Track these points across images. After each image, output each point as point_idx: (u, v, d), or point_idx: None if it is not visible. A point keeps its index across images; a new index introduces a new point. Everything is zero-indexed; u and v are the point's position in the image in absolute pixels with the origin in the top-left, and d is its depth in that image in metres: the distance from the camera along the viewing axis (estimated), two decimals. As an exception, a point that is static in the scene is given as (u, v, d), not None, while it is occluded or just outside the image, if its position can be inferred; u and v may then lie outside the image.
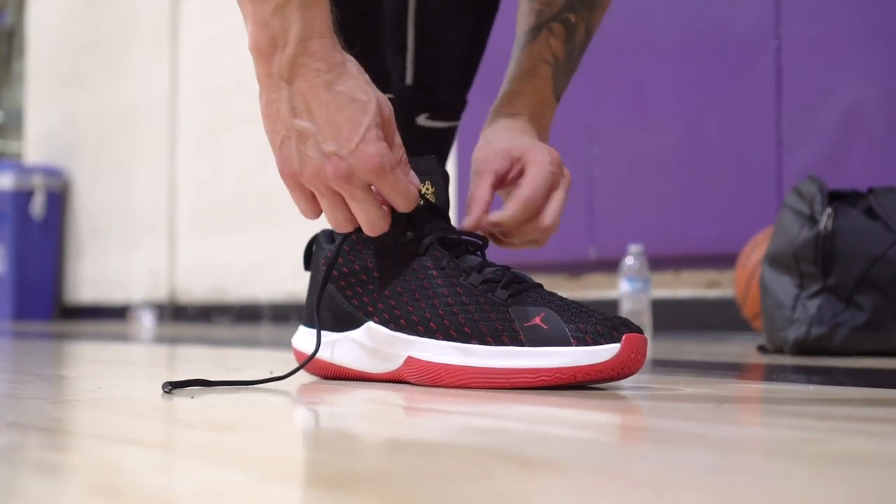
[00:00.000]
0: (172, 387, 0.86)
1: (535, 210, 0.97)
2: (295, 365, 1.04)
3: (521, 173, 0.99)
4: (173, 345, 2.19)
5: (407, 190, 0.86)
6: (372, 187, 0.85)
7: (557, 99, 1.05)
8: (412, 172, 0.89)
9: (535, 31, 1.02)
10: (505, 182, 1.00)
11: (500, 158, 0.99)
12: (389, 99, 0.95)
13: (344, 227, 0.87)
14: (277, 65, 0.82)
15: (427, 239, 0.92)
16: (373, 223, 0.86)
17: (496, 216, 0.97)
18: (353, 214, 0.86)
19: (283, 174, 0.85)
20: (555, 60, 1.02)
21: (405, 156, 0.88)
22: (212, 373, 0.89)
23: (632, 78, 2.55)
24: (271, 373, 1.06)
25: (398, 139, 0.87)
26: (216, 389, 0.88)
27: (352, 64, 0.84)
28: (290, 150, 0.83)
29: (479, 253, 0.94)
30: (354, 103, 0.82)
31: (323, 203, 0.86)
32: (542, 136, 1.04)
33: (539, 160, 0.98)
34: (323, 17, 0.82)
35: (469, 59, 1.06)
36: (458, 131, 1.11)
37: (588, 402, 0.79)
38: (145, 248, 4.64)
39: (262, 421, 0.72)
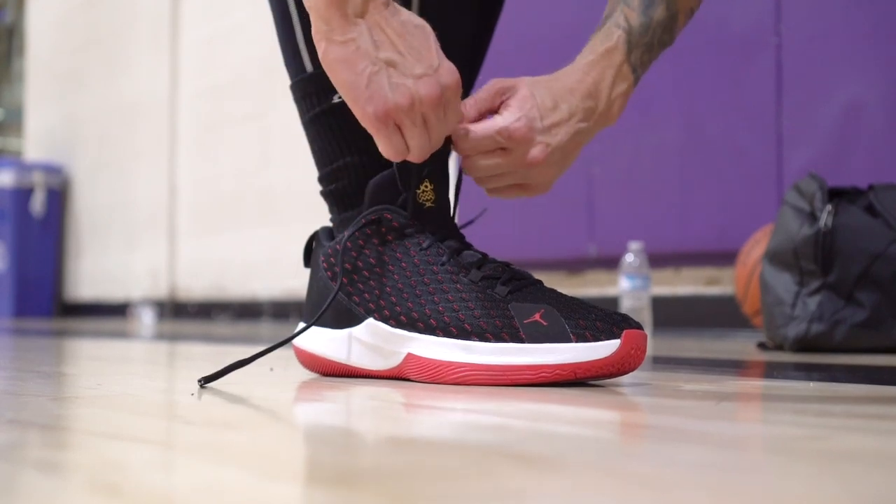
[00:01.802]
0: (206, 381, 0.86)
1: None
2: (295, 362, 1.04)
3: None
4: (173, 342, 2.19)
5: (444, 131, 0.88)
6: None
7: (634, 72, 1.00)
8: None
9: (612, 7, 1.01)
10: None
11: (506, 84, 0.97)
12: None
13: (424, 153, 0.88)
14: (353, 4, 0.84)
15: (428, 238, 0.92)
16: (440, 142, 0.88)
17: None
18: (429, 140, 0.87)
19: (376, 114, 0.84)
20: (628, 26, 0.99)
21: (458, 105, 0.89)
22: (212, 370, 0.89)
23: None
24: (271, 370, 1.06)
25: None
26: (217, 387, 0.88)
27: None
28: (380, 85, 0.84)
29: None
30: (418, 27, 0.86)
31: (413, 132, 0.86)
32: (608, 106, 0.99)
33: (515, 100, 0.95)
34: None
35: (473, 58, 1.06)
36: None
37: (588, 398, 0.79)
38: (145, 246, 4.64)
39: (263, 418, 0.72)
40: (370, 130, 0.86)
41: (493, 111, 0.96)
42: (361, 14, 0.84)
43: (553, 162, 0.97)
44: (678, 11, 1.03)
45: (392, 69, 0.84)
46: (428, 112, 0.85)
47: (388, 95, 0.84)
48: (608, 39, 0.99)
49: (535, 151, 0.95)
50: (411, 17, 0.86)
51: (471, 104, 0.95)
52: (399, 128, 0.86)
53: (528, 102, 0.95)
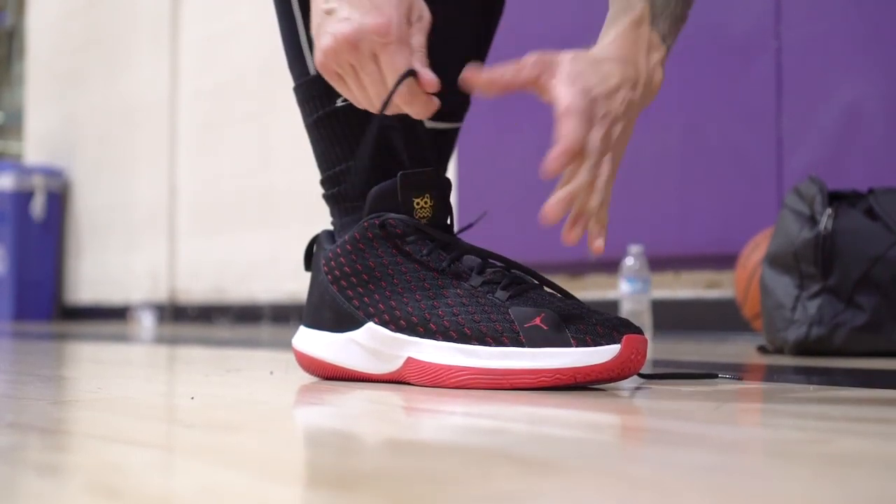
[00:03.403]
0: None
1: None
2: (295, 366, 1.04)
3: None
4: (173, 345, 2.19)
5: (399, 68, 0.84)
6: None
7: (664, 41, 0.96)
8: (420, 64, 0.85)
9: None
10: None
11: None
12: None
13: (373, 104, 0.87)
14: None
15: (428, 244, 0.92)
16: (369, 99, 0.87)
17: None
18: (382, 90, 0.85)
19: (316, 65, 0.86)
20: None
21: (421, 39, 0.86)
22: (212, 373, 0.89)
23: (632, 78, 2.54)
24: (271, 373, 1.06)
25: (424, 22, 0.86)
26: (215, 388, 0.88)
27: None
28: (319, 34, 0.85)
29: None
30: None
31: (347, 81, 0.86)
32: (649, 76, 0.95)
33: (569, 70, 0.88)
34: None
35: (474, 59, 1.06)
36: (460, 133, 1.11)
37: (588, 402, 0.79)
38: (145, 248, 4.64)
39: (263, 421, 0.72)
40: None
41: (534, 84, 0.88)
42: None
43: (618, 139, 0.92)
44: None
45: (327, 20, 0.85)
46: (351, 56, 0.84)
47: (320, 44, 0.85)
48: (631, 10, 0.93)
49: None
50: None
51: (511, 73, 0.88)
52: (343, 76, 0.86)
53: (577, 78, 0.87)
